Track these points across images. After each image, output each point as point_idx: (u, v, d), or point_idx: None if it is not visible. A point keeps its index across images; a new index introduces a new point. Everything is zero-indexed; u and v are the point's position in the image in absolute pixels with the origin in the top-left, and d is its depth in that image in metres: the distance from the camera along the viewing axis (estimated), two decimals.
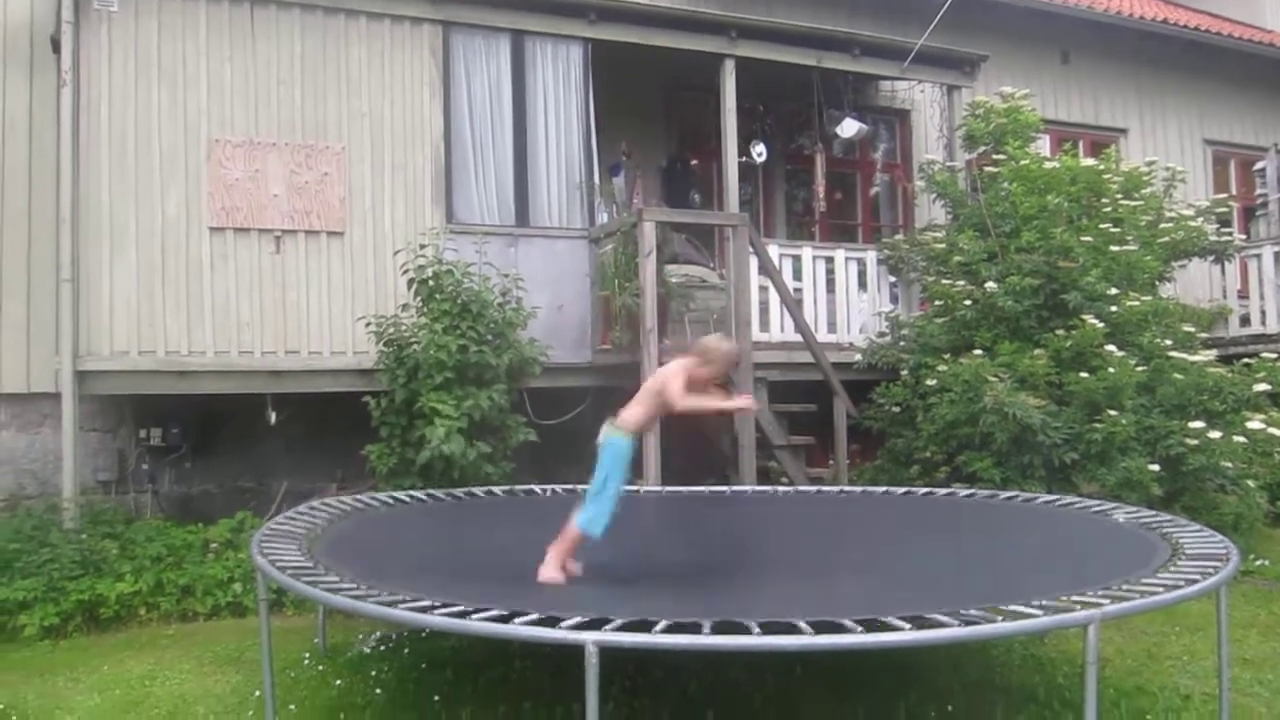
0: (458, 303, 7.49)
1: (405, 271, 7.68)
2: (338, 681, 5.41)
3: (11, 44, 8.37)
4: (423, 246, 7.68)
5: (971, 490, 7.24)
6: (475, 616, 3.62)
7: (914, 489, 7.36)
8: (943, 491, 7.15)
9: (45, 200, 8.06)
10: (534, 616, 3.57)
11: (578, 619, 3.52)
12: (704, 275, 9.37)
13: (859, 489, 7.71)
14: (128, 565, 6.91)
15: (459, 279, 7.60)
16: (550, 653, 5.09)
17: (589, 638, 3.31)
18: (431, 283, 7.58)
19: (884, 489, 7.39)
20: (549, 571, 4.78)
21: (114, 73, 7.65)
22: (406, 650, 5.96)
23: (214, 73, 7.89)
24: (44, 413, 8.22)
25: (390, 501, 6.65)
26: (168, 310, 7.68)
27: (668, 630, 3.45)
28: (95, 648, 6.28)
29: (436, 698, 5.06)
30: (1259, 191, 11.95)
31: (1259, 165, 12.00)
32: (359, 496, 6.70)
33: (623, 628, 3.47)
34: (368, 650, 5.96)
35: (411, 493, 6.86)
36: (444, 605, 3.77)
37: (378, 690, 5.25)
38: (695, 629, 3.45)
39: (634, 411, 4.97)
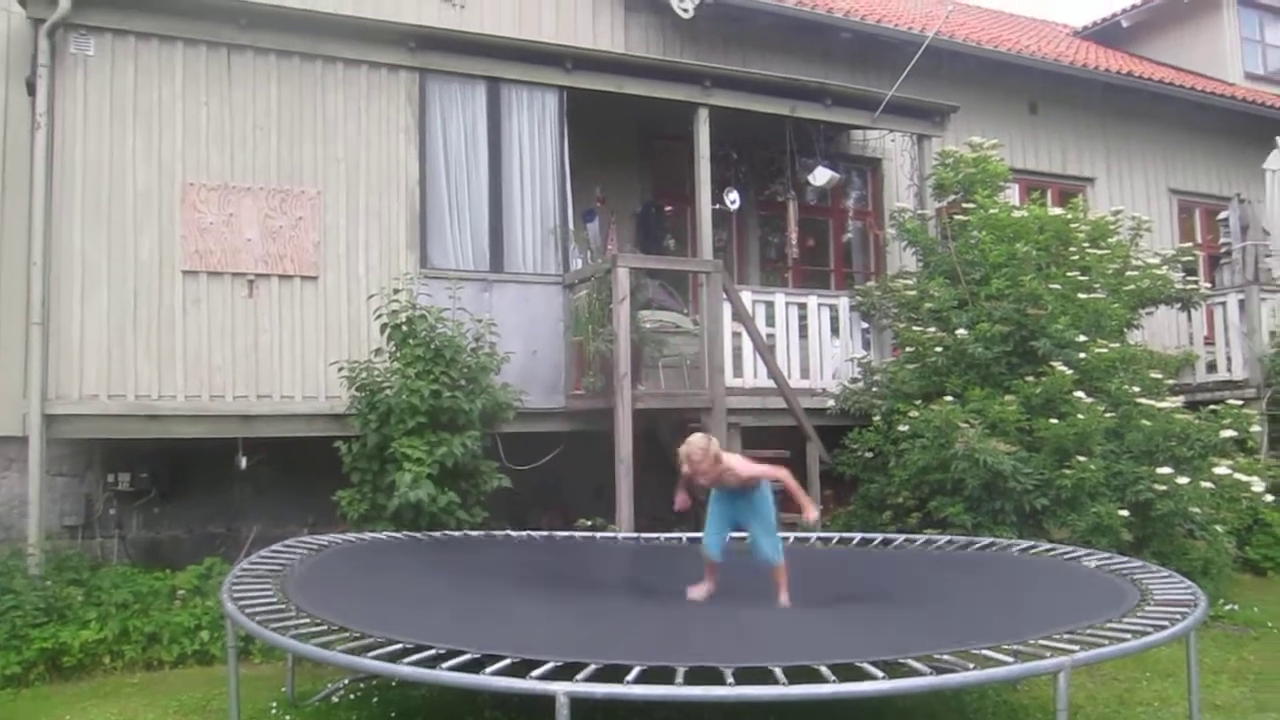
0: (431, 348, 7.47)
1: (379, 316, 7.67)
2: None
3: None
4: (396, 291, 7.67)
5: (948, 537, 7.26)
6: (445, 665, 3.59)
7: (889, 535, 7.38)
8: (919, 539, 7.17)
9: (16, 243, 8.01)
10: (504, 664, 3.55)
11: (549, 666, 3.49)
12: (677, 321, 9.41)
13: (833, 535, 7.70)
14: (93, 612, 6.79)
15: (432, 324, 7.60)
16: (522, 702, 5.06)
17: (560, 688, 3.29)
18: (405, 328, 7.57)
19: (858, 535, 7.39)
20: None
21: (89, 116, 7.65)
22: (375, 699, 5.89)
23: (189, 117, 7.90)
24: (10, 456, 8.11)
25: (365, 539, 6.62)
26: (139, 353, 7.63)
27: (640, 678, 3.43)
28: (58, 697, 6.17)
29: None
30: (1223, 240, 12.13)
31: (1223, 215, 12.20)
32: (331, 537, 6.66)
33: (594, 675, 3.45)
34: (336, 699, 5.89)
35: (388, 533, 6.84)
36: (415, 649, 3.74)
37: None
38: (669, 675, 3.43)
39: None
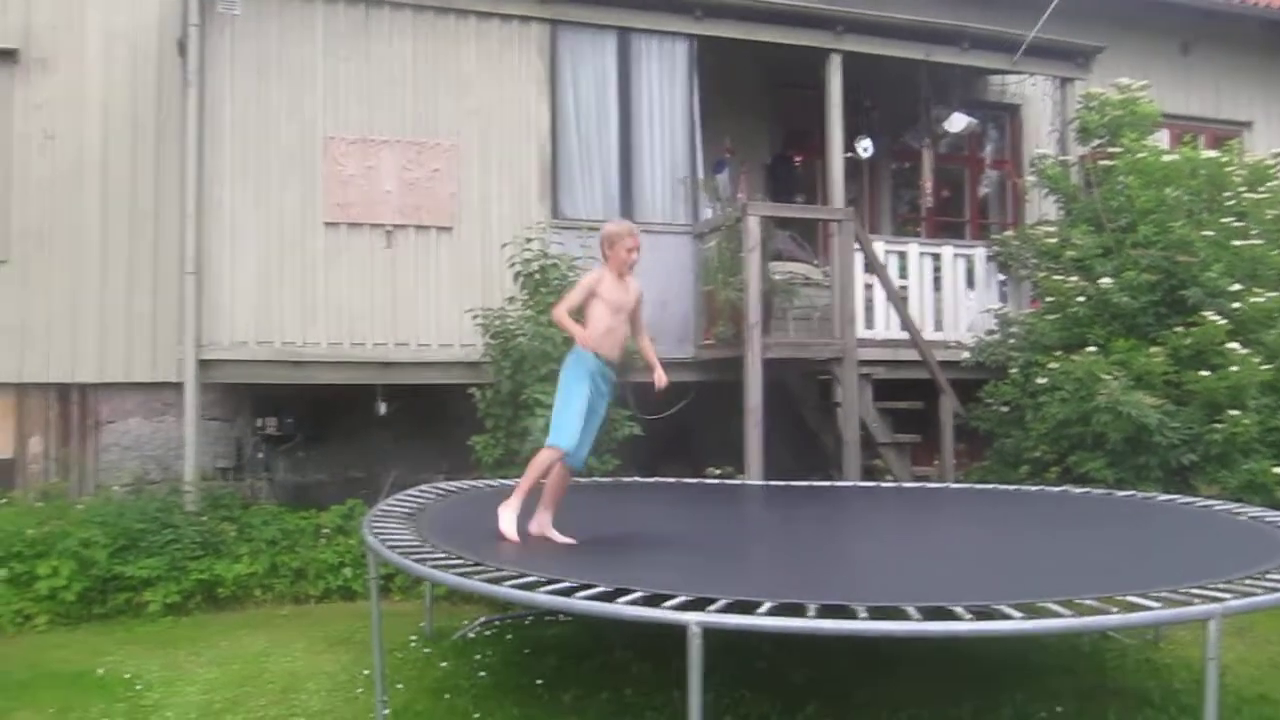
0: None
1: (512, 265, 7.79)
2: (443, 664, 5.52)
3: (140, 47, 8.74)
4: (529, 240, 7.77)
5: (1086, 489, 7.05)
6: (579, 595, 3.65)
7: (1024, 486, 7.21)
8: (1055, 489, 6.99)
9: (170, 197, 8.39)
10: (637, 595, 3.59)
11: (681, 599, 3.52)
12: (807, 272, 9.29)
13: (972, 486, 7.56)
14: (244, 548, 7.15)
15: (564, 272, 7.68)
16: (651, 643, 5.13)
17: (692, 618, 3.30)
18: (537, 276, 7.67)
19: (993, 485, 7.24)
20: (506, 523, 5.06)
21: (236, 74, 7.92)
22: (510, 636, 6.06)
23: (330, 72, 8.12)
24: (167, 401, 8.55)
25: (498, 484, 6.77)
26: (284, 302, 7.92)
27: (772, 613, 3.43)
28: (213, 625, 6.53)
29: (539, 681, 5.13)
30: None
31: None
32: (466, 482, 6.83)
33: (726, 609, 3.47)
34: (472, 635, 6.07)
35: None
36: (549, 582, 3.82)
37: (482, 673, 5.34)
38: (800, 612, 3.42)
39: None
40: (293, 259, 7.96)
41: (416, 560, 4.37)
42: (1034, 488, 7.22)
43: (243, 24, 7.96)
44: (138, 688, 5.23)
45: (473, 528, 5.60)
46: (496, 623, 6.27)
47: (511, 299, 7.81)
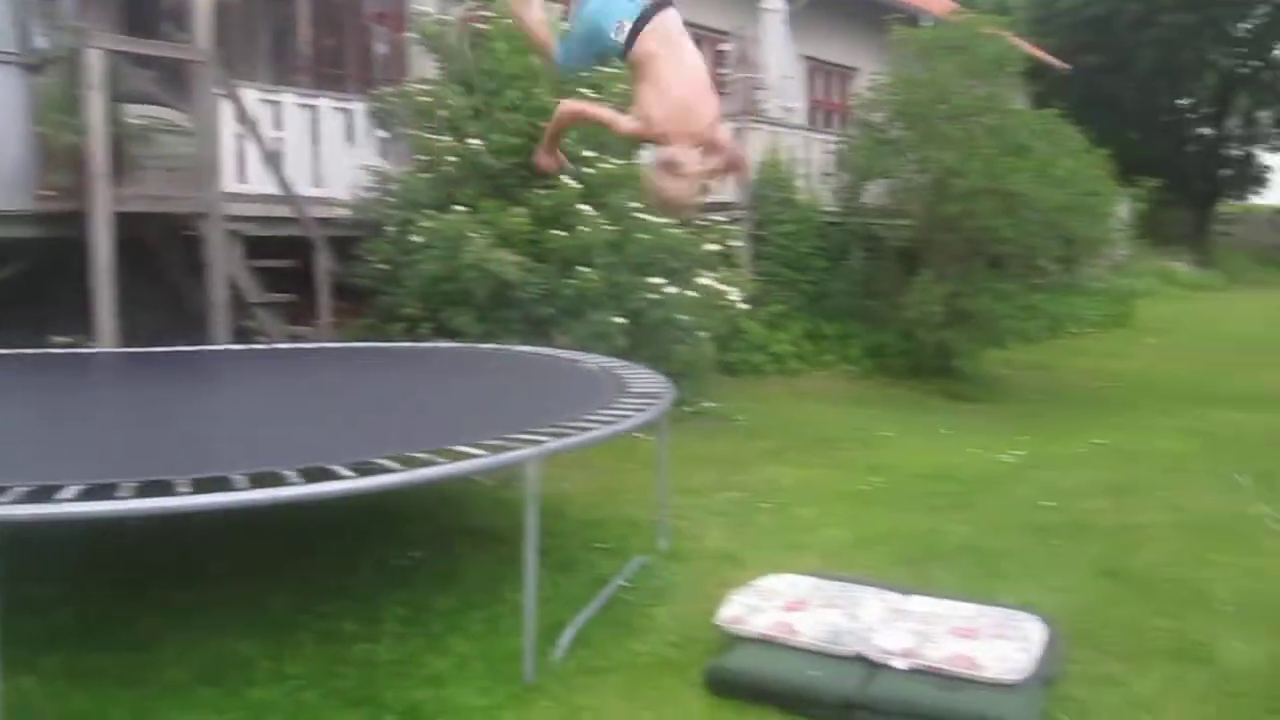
0: None
1: None
2: None
3: None
4: None
5: (456, 344, 7.36)
6: None
7: (393, 343, 7.35)
8: (426, 345, 7.20)
9: None
10: None
11: None
12: (173, 118, 8.48)
13: (336, 344, 7.54)
14: None
15: None
16: None
17: None
18: None
19: (361, 344, 7.30)
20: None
21: None
22: None
23: None
24: None
25: None
26: None
27: (82, 497, 3.08)
28: None
29: None
30: (722, 71, 13.02)
31: (724, 48, 13.07)
32: None
33: (29, 497, 3.06)
34: None
35: None
36: None
37: None
38: (113, 492, 3.11)
39: None
40: None
41: None
42: (406, 344, 7.38)
43: None
44: None
45: None
46: None
47: None
